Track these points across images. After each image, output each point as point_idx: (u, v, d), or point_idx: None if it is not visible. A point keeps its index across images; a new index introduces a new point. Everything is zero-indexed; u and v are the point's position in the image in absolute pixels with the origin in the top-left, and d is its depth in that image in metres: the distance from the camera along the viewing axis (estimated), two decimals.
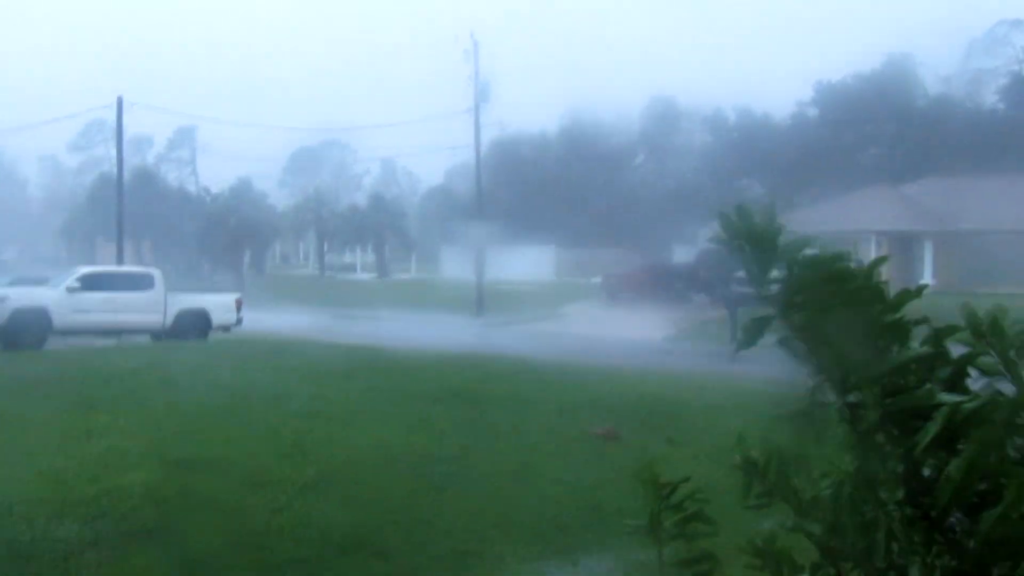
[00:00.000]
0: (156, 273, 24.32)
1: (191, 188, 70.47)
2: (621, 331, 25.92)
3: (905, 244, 39.57)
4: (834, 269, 1.18)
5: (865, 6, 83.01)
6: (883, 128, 54.46)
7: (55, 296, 22.27)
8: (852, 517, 1.20)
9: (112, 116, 39.65)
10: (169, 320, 23.07)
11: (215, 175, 69.06)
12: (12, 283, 26.08)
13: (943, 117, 53.15)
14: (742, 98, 65.23)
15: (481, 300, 35.64)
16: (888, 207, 41.51)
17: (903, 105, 53.48)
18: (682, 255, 44.78)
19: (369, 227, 61.26)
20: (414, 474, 9.05)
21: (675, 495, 1.37)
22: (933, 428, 1.13)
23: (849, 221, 38.52)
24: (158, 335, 22.71)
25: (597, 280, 41.65)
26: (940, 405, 1.16)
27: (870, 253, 39.14)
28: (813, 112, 57.36)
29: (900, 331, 1.20)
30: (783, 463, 1.34)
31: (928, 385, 1.20)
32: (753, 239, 1.23)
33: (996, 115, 55.48)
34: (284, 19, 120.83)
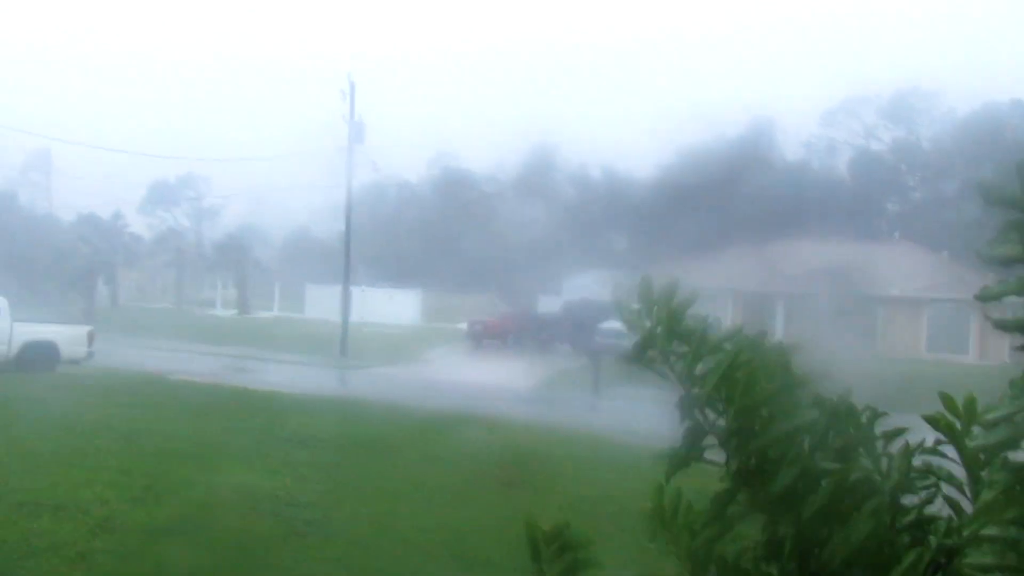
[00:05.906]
0: (1, 301, 23.12)
1: (44, 213, 67.44)
2: (484, 378, 25.96)
3: (760, 304, 41.16)
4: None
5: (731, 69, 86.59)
6: (743, 190, 56.79)
7: None
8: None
9: None
10: (14, 351, 21.91)
11: (72, 201, 66.27)
12: None
13: (800, 182, 56.02)
14: (608, 155, 67.08)
15: (345, 342, 35.10)
16: (745, 266, 43.16)
17: (764, 168, 56.05)
18: (547, 305, 45.28)
19: (229, 261, 59.69)
20: (274, 519, 8.83)
21: (556, 543, 1.40)
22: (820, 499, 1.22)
23: (708, 278, 39.80)
24: (1, 368, 21.54)
25: (462, 326, 41.66)
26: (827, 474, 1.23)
27: (727, 311, 40.57)
28: (677, 172, 59.39)
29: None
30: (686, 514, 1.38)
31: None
32: (679, 334, 1.28)
33: (844, 184, 58.88)
34: (147, 41, 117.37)
